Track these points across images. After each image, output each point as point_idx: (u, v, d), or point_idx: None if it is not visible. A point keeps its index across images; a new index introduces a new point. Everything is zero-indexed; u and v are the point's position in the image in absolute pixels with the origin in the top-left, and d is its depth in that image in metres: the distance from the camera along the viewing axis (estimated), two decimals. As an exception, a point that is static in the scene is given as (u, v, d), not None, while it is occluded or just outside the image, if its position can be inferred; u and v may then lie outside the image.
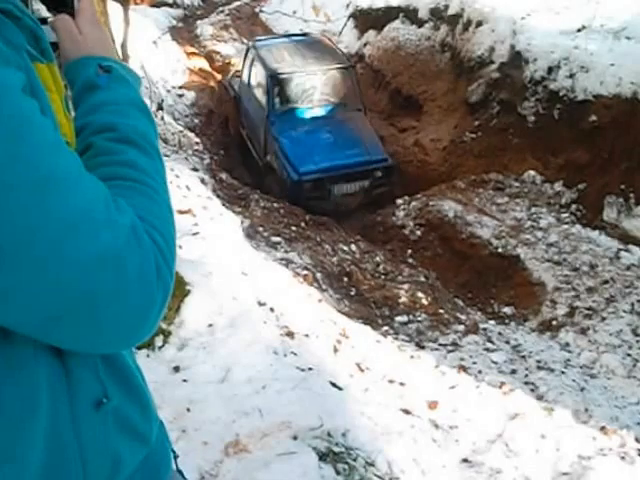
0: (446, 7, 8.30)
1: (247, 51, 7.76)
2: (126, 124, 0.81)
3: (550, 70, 6.26)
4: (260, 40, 8.11)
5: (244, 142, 7.72)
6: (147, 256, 0.69)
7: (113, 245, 0.65)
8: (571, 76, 6.01)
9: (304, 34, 8.39)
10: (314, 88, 7.03)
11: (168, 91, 8.38)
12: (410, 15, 9.10)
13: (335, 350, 3.14)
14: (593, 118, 5.67)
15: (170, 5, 13.28)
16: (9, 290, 0.61)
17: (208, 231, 3.75)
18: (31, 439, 0.69)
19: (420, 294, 4.82)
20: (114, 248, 0.65)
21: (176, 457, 1.01)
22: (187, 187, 4.58)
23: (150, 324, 0.72)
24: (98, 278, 0.64)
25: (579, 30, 6.40)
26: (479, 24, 7.44)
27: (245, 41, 9.85)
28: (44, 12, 0.88)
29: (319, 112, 6.96)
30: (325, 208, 6.29)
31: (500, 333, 4.31)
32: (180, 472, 1.04)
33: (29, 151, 0.60)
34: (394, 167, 6.66)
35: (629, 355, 3.91)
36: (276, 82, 6.88)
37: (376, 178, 6.46)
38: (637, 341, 4.05)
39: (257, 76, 7.25)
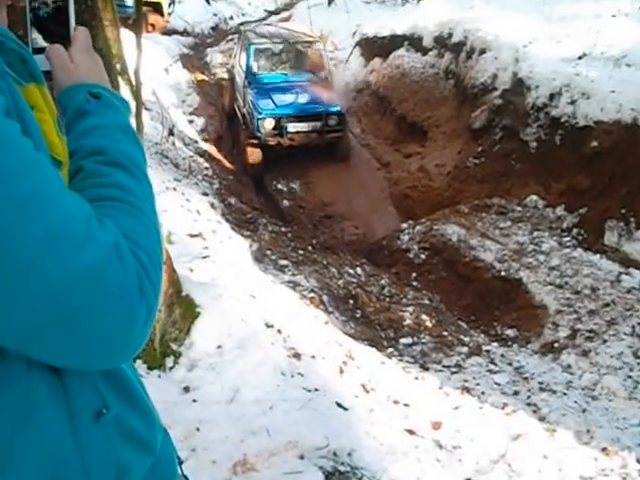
0: (450, 35, 8.46)
1: (239, 36, 9.50)
2: (114, 147, 0.82)
3: (552, 97, 6.32)
4: (249, 24, 10.13)
5: (235, 112, 9.10)
6: (129, 273, 0.68)
7: (94, 261, 0.65)
8: (572, 102, 6.07)
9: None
10: (286, 57, 8.71)
11: (179, 117, 8.57)
12: (415, 43, 9.29)
13: (341, 371, 3.17)
14: (594, 144, 5.70)
15: (181, 33, 13.62)
16: None
17: (218, 254, 3.84)
18: (27, 452, 0.69)
19: (424, 316, 4.85)
20: (95, 264, 0.65)
21: (181, 463, 1.01)
22: (197, 211, 4.69)
23: (135, 341, 0.72)
24: (79, 294, 0.64)
25: (580, 58, 6.49)
26: (482, 52, 7.57)
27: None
28: (41, 42, 0.90)
29: (288, 77, 8.47)
30: (281, 143, 7.81)
31: (503, 355, 4.31)
32: (185, 477, 1.05)
33: (7, 169, 0.61)
34: (344, 114, 8.07)
35: (630, 377, 3.90)
36: (253, 50, 8.51)
37: (329, 124, 7.87)
38: (638, 363, 4.03)
39: (241, 50, 8.89)
